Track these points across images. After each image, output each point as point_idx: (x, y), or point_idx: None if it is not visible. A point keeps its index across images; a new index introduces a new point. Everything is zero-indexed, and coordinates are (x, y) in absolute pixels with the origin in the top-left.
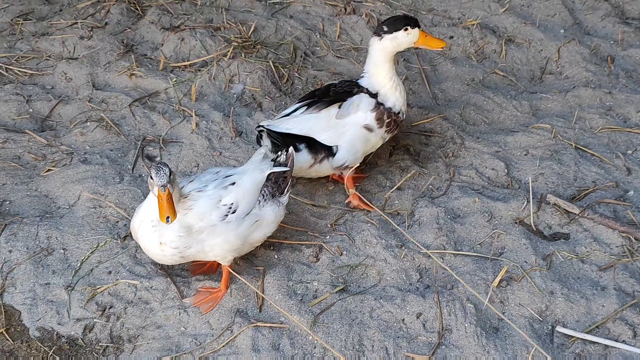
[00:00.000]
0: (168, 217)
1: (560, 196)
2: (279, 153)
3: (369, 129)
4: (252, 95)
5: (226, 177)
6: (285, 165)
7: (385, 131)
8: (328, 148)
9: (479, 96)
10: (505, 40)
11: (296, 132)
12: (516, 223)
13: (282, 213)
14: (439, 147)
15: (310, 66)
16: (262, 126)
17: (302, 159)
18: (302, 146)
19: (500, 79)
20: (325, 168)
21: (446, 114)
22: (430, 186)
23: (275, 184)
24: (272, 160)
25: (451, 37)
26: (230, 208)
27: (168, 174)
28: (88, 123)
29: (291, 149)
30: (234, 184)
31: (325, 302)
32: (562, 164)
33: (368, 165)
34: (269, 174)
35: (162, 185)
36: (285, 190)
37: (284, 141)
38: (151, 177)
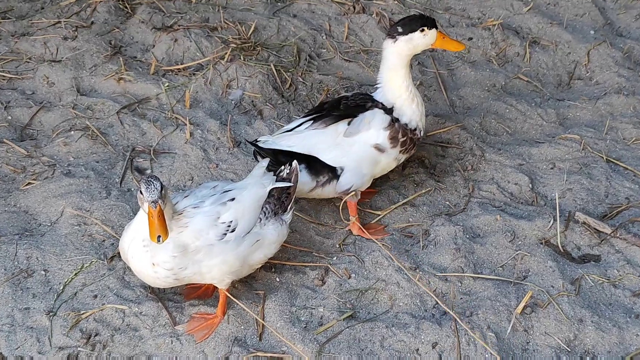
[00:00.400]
0: (159, 236)
1: (590, 214)
2: (282, 167)
3: (379, 149)
4: (252, 101)
5: (224, 192)
6: (289, 180)
7: (400, 151)
8: (332, 170)
9: (500, 103)
10: (530, 42)
11: (297, 150)
12: (541, 243)
13: (285, 232)
14: (456, 159)
15: (316, 70)
16: (252, 143)
17: (302, 180)
18: (301, 166)
19: (524, 84)
20: (328, 192)
21: (465, 123)
22: (447, 202)
23: (277, 201)
24: (274, 174)
25: (470, 39)
26: (229, 226)
27: (159, 188)
28: (72, 132)
29: (295, 162)
30: (233, 199)
31: (331, 329)
32: (592, 178)
33: (379, 180)
34: (271, 190)
35: (152, 201)
36: (289, 207)
37: (276, 160)
38: (141, 192)
